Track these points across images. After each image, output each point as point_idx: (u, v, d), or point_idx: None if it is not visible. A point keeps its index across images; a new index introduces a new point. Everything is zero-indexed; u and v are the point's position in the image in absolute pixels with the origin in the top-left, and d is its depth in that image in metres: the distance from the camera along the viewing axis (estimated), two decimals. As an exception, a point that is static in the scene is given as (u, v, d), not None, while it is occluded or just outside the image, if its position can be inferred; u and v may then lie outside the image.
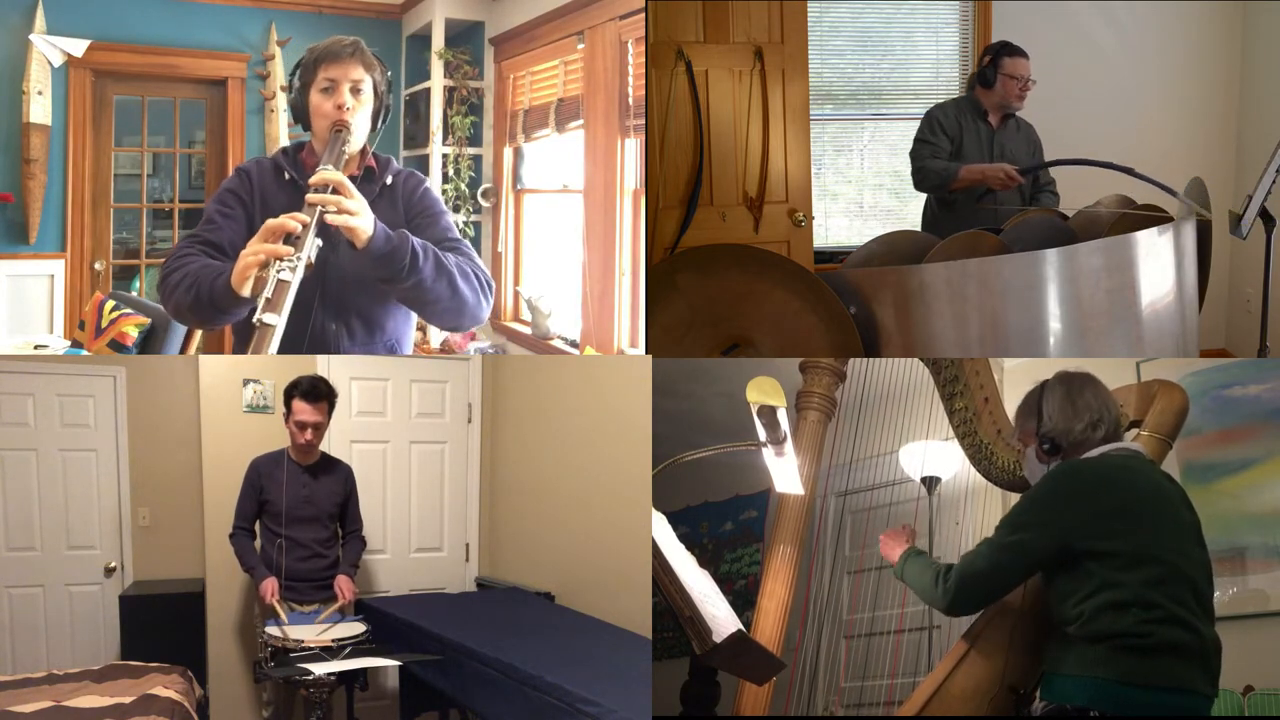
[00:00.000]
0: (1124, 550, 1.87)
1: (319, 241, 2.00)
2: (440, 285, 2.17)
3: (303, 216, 2.00)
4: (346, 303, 2.31)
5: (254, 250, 1.96)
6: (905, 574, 2.16)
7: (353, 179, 2.28)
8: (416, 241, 2.14)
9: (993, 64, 3.94)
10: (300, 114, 2.38)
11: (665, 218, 3.00)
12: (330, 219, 2.01)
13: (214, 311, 2.07)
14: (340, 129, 2.26)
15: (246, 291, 1.96)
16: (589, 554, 3.70)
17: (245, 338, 2.25)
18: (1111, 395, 2.09)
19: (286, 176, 2.35)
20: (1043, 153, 4.12)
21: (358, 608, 3.53)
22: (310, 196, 2.04)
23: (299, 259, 1.92)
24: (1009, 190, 3.84)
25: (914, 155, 4.00)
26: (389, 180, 2.39)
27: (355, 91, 2.30)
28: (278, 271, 1.90)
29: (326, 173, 2.10)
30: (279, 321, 1.84)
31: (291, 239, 1.96)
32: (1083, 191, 3.91)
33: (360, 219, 2.05)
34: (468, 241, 2.42)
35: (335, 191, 2.05)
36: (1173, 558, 1.88)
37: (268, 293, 1.86)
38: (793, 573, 2.61)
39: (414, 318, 2.51)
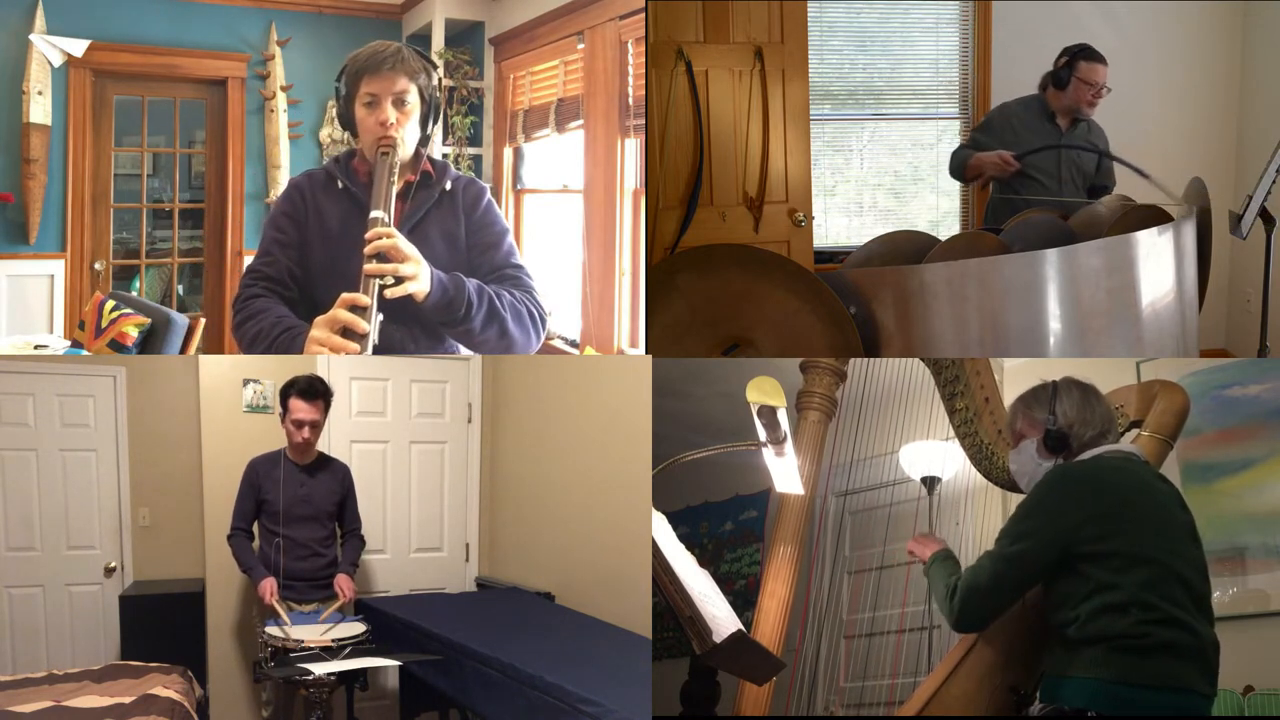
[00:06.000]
0: (1119, 552, 1.87)
1: (380, 316, 2.04)
2: (489, 332, 2.22)
3: (363, 299, 2.02)
4: (409, 311, 2.26)
5: (323, 339, 2.00)
6: (930, 575, 2.15)
7: (409, 185, 2.29)
8: (473, 288, 2.16)
9: (1068, 66, 3.88)
10: (347, 123, 2.37)
11: (665, 218, 3.00)
12: (389, 293, 2.04)
13: None
14: (386, 151, 2.23)
15: None
16: (589, 554, 3.70)
17: None
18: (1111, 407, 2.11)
19: (340, 185, 2.33)
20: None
21: (358, 608, 3.53)
22: (367, 268, 2.05)
23: (365, 342, 1.99)
24: (1005, 177, 3.85)
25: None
26: (448, 186, 2.36)
27: (399, 104, 2.26)
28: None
29: (380, 231, 2.09)
30: None
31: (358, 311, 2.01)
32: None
33: (418, 282, 2.08)
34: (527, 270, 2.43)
35: (390, 257, 2.06)
36: (1168, 558, 1.88)
37: None
38: (793, 573, 2.61)
39: None
